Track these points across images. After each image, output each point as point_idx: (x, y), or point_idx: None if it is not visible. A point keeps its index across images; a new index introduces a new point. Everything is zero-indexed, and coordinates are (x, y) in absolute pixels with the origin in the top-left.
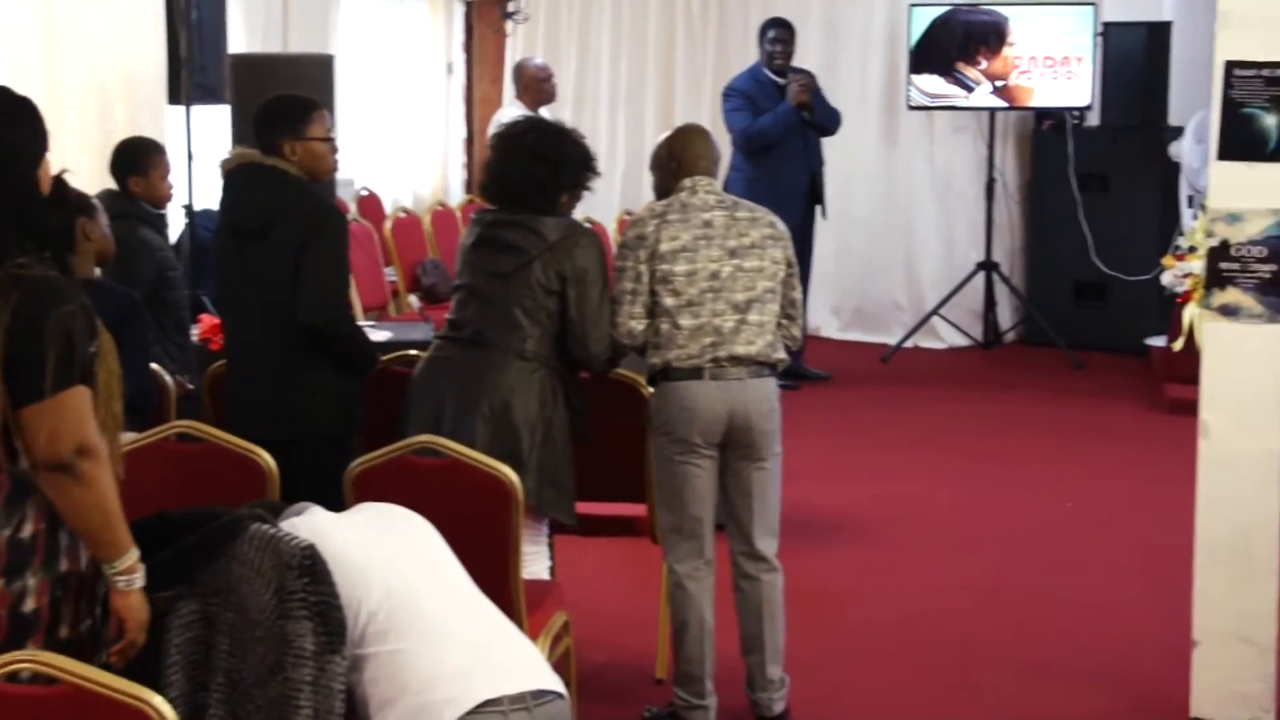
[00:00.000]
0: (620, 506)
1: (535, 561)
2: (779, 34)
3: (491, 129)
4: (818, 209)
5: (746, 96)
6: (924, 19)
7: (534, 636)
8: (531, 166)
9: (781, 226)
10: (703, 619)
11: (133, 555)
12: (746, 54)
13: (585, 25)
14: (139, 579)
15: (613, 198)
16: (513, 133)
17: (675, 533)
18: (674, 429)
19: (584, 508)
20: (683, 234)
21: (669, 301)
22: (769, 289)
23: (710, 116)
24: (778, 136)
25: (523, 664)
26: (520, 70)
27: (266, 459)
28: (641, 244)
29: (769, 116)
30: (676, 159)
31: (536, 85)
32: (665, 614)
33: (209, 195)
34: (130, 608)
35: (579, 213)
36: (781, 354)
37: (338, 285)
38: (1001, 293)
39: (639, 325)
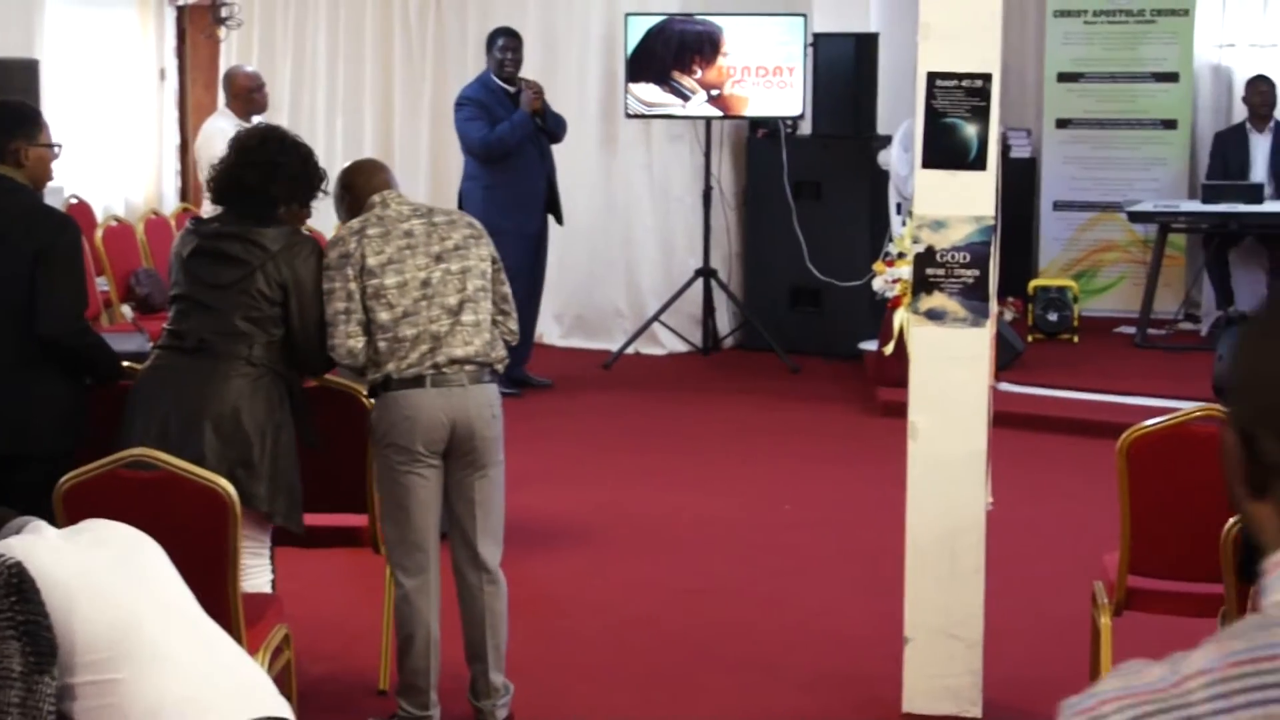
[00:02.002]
0: (341, 517)
1: (258, 575)
2: (508, 42)
3: (200, 139)
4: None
5: (480, 105)
6: (640, 28)
7: (253, 650)
8: (278, 182)
9: (479, 225)
10: (429, 631)
11: None
12: (465, 61)
13: (301, 31)
14: None
15: (330, 206)
16: (263, 142)
17: (400, 545)
18: (396, 438)
19: (306, 519)
20: (387, 247)
21: (384, 316)
22: (480, 288)
23: (429, 123)
24: (515, 144)
25: (249, 690)
26: (230, 79)
27: None
28: (347, 262)
29: (506, 125)
30: (350, 190)
31: (247, 94)
32: (388, 625)
33: None
34: None
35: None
36: (501, 352)
37: (78, 296)
38: (720, 299)
39: (358, 343)
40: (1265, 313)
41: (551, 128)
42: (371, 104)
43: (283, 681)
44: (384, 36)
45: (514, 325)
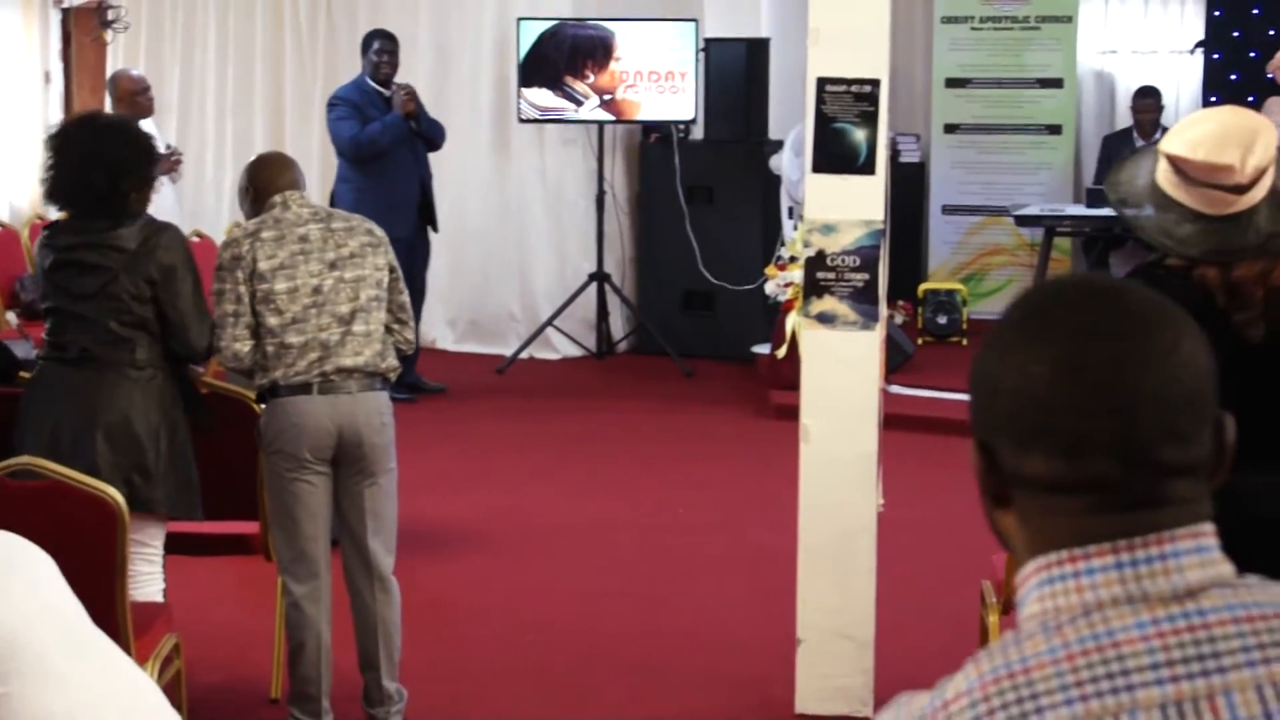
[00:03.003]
0: (232, 524)
1: (150, 583)
2: (384, 45)
3: None
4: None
5: (352, 105)
6: (532, 33)
7: (142, 660)
8: (126, 177)
9: (379, 233)
10: (320, 638)
11: None
12: (356, 64)
13: (189, 35)
14: None
15: (222, 210)
16: (96, 138)
17: (290, 552)
18: (284, 445)
19: (196, 526)
20: (279, 251)
21: (273, 321)
22: (374, 297)
23: (319, 127)
24: (387, 145)
25: (140, 704)
26: (115, 82)
27: None
28: (238, 264)
29: (378, 125)
30: (254, 186)
31: (131, 98)
32: (280, 633)
33: None
34: None
35: (187, 226)
36: (392, 361)
37: None
38: (614, 303)
39: (245, 347)
40: (997, 324)
41: (428, 133)
42: (262, 107)
43: (172, 691)
44: (274, 39)
45: (410, 335)
